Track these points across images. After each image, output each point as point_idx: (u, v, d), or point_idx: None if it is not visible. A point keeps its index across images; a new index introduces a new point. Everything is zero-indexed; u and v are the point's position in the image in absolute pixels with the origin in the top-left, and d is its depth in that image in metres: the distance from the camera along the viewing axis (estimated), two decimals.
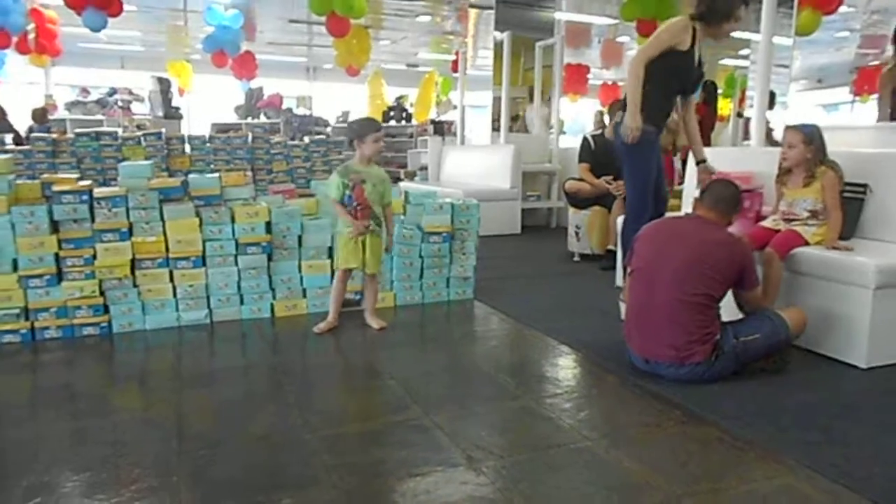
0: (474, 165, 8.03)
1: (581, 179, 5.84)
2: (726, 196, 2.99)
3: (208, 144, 7.40)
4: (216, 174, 4.01)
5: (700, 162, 3.94)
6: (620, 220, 4.18)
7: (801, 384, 2.85)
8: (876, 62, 8.63)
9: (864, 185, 3.45)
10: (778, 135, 6.42)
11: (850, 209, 3.44)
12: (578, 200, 5.81)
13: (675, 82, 3.68)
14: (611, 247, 5.30)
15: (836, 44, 9.24)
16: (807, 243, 3.29)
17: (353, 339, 3.52)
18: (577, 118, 13.75)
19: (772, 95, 6.21)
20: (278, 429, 2.44)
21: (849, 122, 9.20)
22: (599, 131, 6.04)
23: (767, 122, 5.60)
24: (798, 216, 3.40)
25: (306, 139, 8.38)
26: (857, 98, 9.61)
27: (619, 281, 4.38)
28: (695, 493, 1.99)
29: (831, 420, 2.50)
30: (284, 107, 12.35)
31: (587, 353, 3.27)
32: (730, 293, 2.94)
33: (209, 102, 14.36)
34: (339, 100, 15.68)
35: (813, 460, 2.17)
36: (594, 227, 5.63)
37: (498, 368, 3.12)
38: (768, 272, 3.23)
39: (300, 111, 12.93)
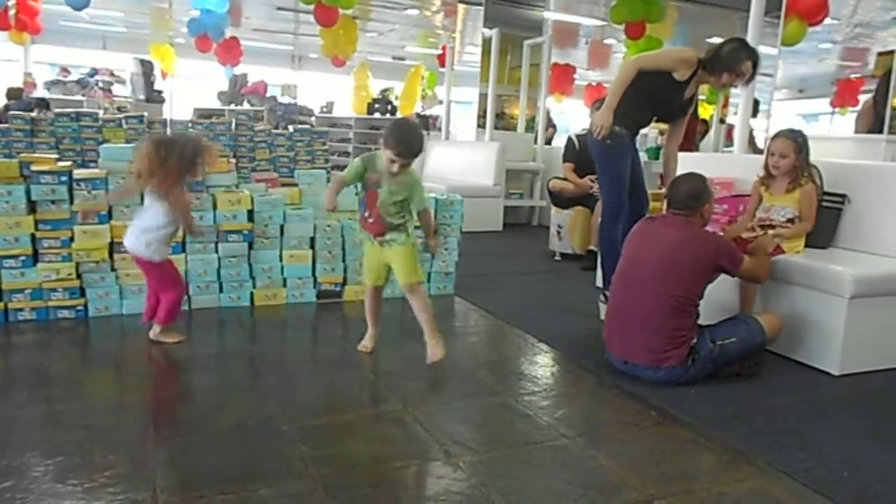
0: (458, 161, 8.03)
1: (565, 179, 5.86)
2: (684, 191, 2.95)
3: (191, 130, 7.32)
4: None
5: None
6: None
7: (775, 389, 2.89)
8: (856, 75, 8.76)
9: (843, 196, 3.50)
10: (760, 142, 6.51)
11: (829, 219, 3.49)
12: (561, 200, 5.83)
13: (652, 101, 3.65)
14: (592, 247, 5.33)
15: (819, 55, 9.36)
16: (784, 251, 3.33)
17: (333, 332, 3.51)
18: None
19: (756, 103, 6.29)
20: (255, 418, 2.43)
21: (828, 133, 9.33)
22: (584, 131, 6.06)
23: (750, 130, 5.68)
24: (774, 222, 3.44)
25: (290, 128, 8.32)
26: (837, 110, 9.73)
27: (599, 281, 4.41)
28: (668, 493, 2.01)
29: (804, 424, 2.54)
30: (269, 95, 12.24)
31: (566, 351, 3.29)
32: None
33: (192, 87, 14.20)
34: (324, 90, 15.59)
35: (785, 464, 2.20)
36: (576, 226, 5.66)
37: (477, 364, 3.13)
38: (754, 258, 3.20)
39: (285, 100, 12.83)
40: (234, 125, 7.54)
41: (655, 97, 3.64)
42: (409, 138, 2.84)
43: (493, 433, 2.46)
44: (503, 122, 9.58)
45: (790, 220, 3.39)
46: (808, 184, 3.37)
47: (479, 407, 2.66)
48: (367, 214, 2.97)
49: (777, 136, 3.47)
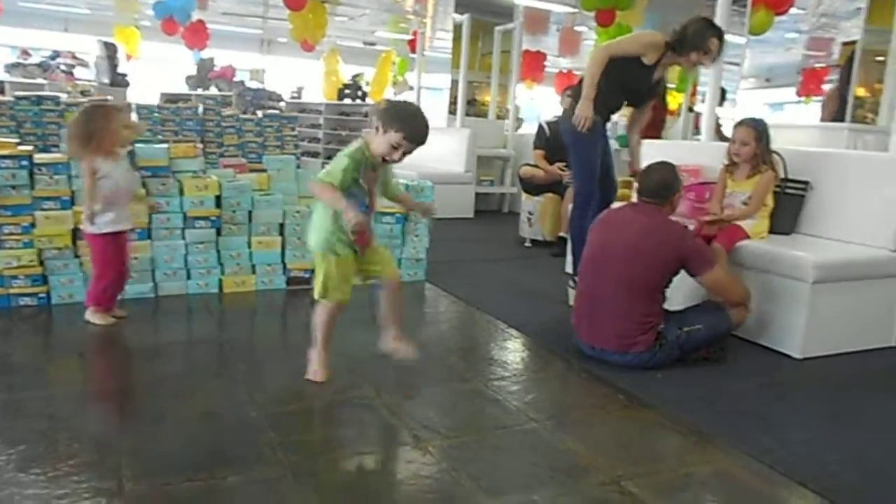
0: (429, 147, 7.99)
1: (536, 166, 5.88)
2: (655, 181, 2.97)
3: (157, 114, 7.20)
4: (164, 145, 3.90)
5: (634, 174, 3.98)
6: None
7: (739, 373, 2.94)
8: (821, 65, 8.88)
9: (806, 183, 3.57)
10: (727, 130, 6.59)
11: (792, 205, 3.57)
12: (532, 186, 5.86)
13: (623, 86, 3.70)
14: (562, 233, 5.36)
15: (785, 44, 9.48)
16: (748, 237, 3.38)
17: (302, 318, 3.47)
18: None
19: (723, 92, 6.37)
20: (224, 405, 2.41)
21: (794, 121, 9.46)
22: (555, 118, 6.08)
23: (717, 118, 5.75)
24: (734, 207, 3.50)
25: (259, 113, 8.22)
26: (802, 99, 9.88)
27: (568, 267, 4.44)
28: (635, 474, 2.04)
29: (766, 407, 2.60)
30: (237, 79, 12.06)
31: (535, 337, 3.32)
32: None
33: (158, 71, 13.91)
34: (293, 75, 15.39)
35: (748, 445, 2.25)
36: (546, 213, 5.69)
37: (447, 350, 3.14)
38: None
39: (253, 84, 12.63)
40: (201, 110, 7.43)
41: (627, 82, 3.69)
42: (419, 121, 2.43)
43: (462, 418, 2.47)
44: (474, 108, 9.56)
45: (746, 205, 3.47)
46: (767, 171, 3.44)
47: (449, 392, 2.67)
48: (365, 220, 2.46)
49: (739, 124, 3.55)
